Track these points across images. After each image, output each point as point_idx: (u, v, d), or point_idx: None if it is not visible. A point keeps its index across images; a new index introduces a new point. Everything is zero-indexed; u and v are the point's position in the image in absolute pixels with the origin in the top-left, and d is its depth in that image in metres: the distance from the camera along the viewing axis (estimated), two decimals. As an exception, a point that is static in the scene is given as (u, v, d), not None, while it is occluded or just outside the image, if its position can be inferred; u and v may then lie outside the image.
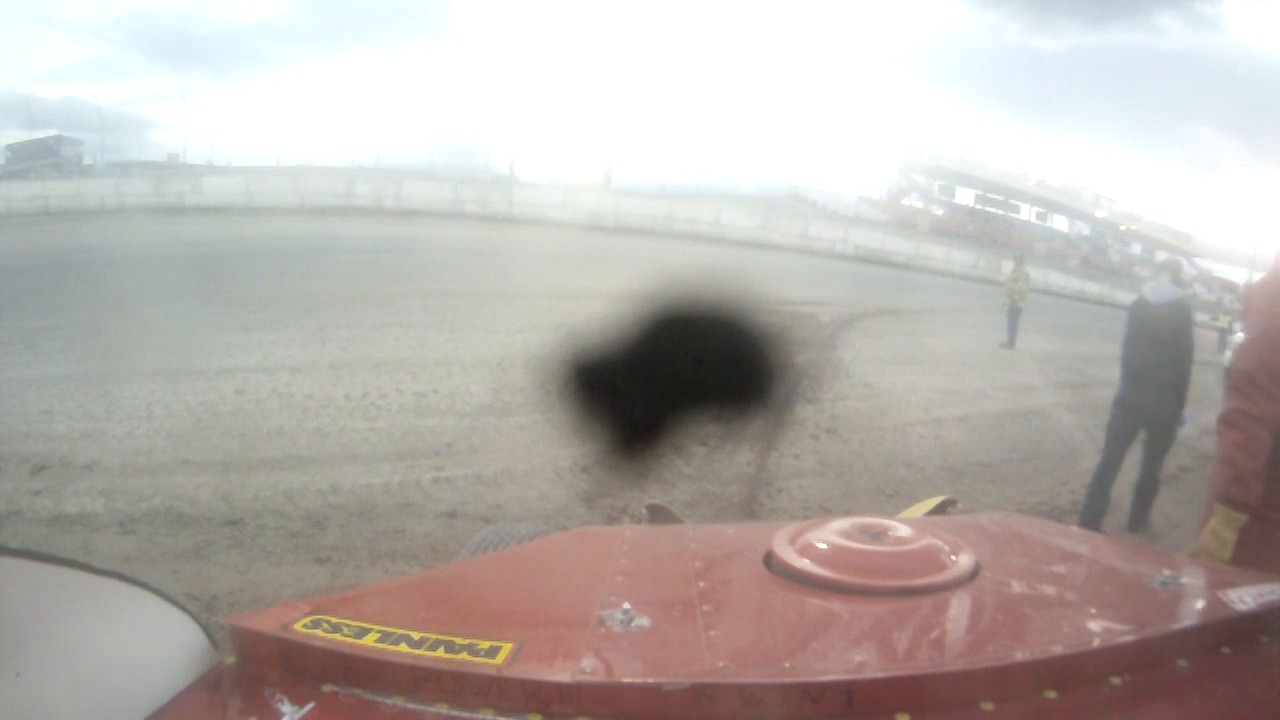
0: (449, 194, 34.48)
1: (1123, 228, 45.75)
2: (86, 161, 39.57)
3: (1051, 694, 1.24)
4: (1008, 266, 32.19)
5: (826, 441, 8.60)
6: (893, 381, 11.91)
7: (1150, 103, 50.33)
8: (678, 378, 2.69)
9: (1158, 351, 6.54)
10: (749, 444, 7.84)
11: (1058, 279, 34.42)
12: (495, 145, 50.58)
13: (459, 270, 17.04)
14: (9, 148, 39.12)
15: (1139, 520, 6.86)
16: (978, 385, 12.59)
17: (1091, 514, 6.64)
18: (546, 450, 6.94)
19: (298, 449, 7.20)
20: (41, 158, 38.19)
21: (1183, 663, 1.35)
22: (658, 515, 2.91)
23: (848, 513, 5.76)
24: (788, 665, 1.30)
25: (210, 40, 57.02)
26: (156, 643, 1.31)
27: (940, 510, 2.89)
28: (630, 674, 1.28)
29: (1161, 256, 44.20)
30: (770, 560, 1.71)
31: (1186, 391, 6.64)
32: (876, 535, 1.74)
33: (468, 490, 6.41)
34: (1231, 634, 1.44)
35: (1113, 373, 14.20)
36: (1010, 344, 16.81)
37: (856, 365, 12.71)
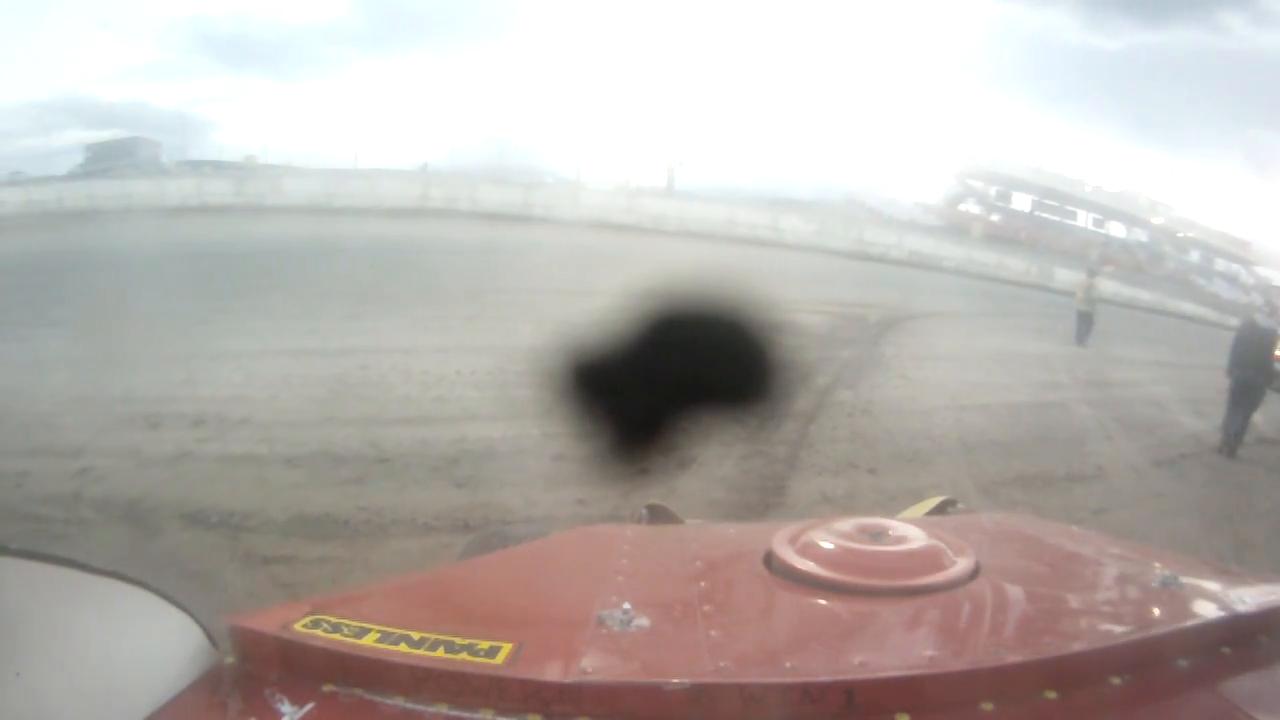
0: (519, 198, 35.20)
1: (1180, 234, 45.05)
2: (164, 161, 41.13)
3: (1051, 694, 1.28)
4: (1061, 274, 33.37)
5: (860, 419, 10.06)
6: (927, 374, 13.21)
7: (1213, 104, 48.49)
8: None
9: (1261, 356, 11.14)
10: (794, 419, 9.34)
11: (1109, 286, 34.53)
12: (560, 149, 51.60)
13: (535, 270, 18.26)
14: (88, 148, 40.67)
15: (1230, 449, 11.00)
16: (1006, 381, 13.78)
17: (1229, 441, 11.07)
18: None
19: (423, 411, 8.75)
20: (120, 158, 39.78)
21: (1183, 663, 1.38)
22: (657, 515, 2.94)
23: (871, 469, 7.36)
24: (788, 665, 1.35)
25: (267, 43, 58.37)
26: (156, 642, 1.36)
27: (940, 510, 2.94)
28: (630, 674, 1.32)
29: (1220, 265, 44.04)
30: (770, 560, 1.74)
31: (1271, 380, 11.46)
32: (876, 535, 1.77)
33: (569, 443, 7.82)
34: (1231, 634, 1.46)
35: (1139, 375, 15.73)
36: (1082, 341, 18.80)
37: (896, 360, 14.08)
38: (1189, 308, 36.07)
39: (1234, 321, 26.86)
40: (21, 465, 7.44)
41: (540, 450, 7.65)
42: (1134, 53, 53.17)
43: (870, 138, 58.16)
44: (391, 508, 6.57)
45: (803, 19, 58.67)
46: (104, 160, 39.59)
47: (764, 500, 7.22)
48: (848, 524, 1.81)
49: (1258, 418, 11.86)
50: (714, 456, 7.52)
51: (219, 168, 40.35)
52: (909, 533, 1.78)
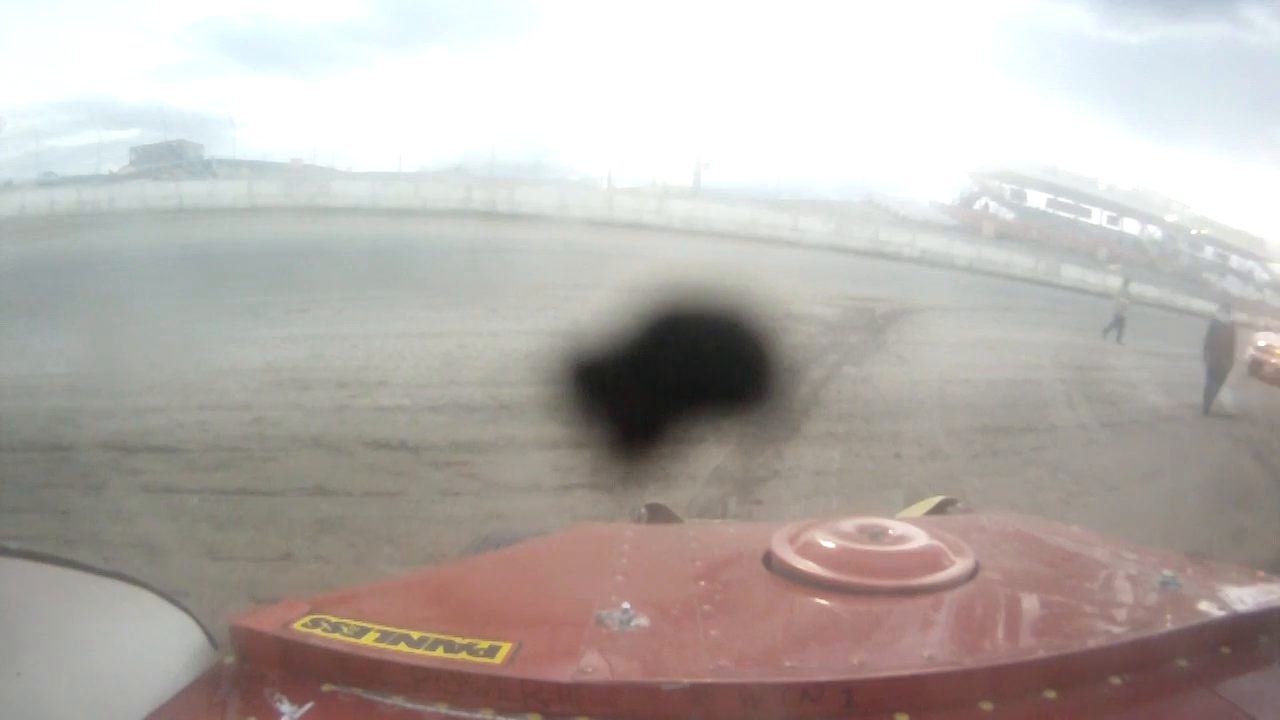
0: (556, 199, 36.90)
1: (1194, 231, 46.10)
2: (207, 158, 43.29)
3: (1051, 694, 1.33)
4: (1069, 271, 35.45)
5: (860, 386, 12.64)
6: (922, 357, 15.63)
7: (1236, 99, 47.72)
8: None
9: (1224, 344, 14.89)
10: (809, 385, 11.91)
11: (1116, 283, 34.57)
12: (586, 150, 52.88)
13: (580, 268, 20.06)
14: (133, 150, 42.75)
15: (1207, 407, 14.55)
16: (992, 362, 16.17)
17: (1209, 391, 14.72)
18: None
19: (523, 376, 10.88)
20: (167, 159, 41.79)
21: (1183, 663, 1.43)
22: (657, 515, 3.03)
23: (865, 419, 10.31)
24: (787, 665, 1.41)
25: (286, 42, 60.30)
26: (156, 642, 1.42)
27: (940, 510, 3.00)
28: (629, 674, 1.38)
29: (1235, 261, 44.47)
30: (770, 560, 1.82)
31: (1233, 360, 15.20)
32: (876, 535, 1.84)
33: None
34: (1231, 634, 1.51)
35: (1123, 361, 18.62)
36: (1118, 339, 21.60)
37: (896, 345, 16.54)
38: (1198, 304, 35.57)
39: (1243, 317, 28.95)
40: (199, 417, 9.28)
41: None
42: (1155, 47, 54.55)
43: (889, 137, 58.78)
44: (523, 436, 8.91)
45: (825, 19, 59.82)
46: (150, 162, 41.67)
47: (783, 434, 9.44)
48: (847, 524, 1.88)
49: (1228, 398, 14.83)
50: (744, 409, 9.60)
51: (257, 169, 42.37)
52: (908, 532, 1.84)
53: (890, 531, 1.86)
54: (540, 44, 68.96)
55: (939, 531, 1.90)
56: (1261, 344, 20.02)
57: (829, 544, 1.79)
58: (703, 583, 1.79)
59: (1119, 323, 21.95)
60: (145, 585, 1.44)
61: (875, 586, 1.63)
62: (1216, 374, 14.92)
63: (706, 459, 8.19)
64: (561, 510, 7.39)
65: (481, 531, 3.74)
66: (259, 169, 42.38)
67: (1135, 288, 24.62)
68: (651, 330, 2.82)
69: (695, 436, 2.90)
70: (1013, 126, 67.72)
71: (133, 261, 18.99)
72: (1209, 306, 36.10)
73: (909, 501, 8.05)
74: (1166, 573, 1.73)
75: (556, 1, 66.20)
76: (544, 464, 8.18)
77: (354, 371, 11.37)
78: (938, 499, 3.20)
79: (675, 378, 2.79)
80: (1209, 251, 46.56)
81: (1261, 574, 1.90)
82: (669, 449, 2.78)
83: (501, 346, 12.77)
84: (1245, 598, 1.65)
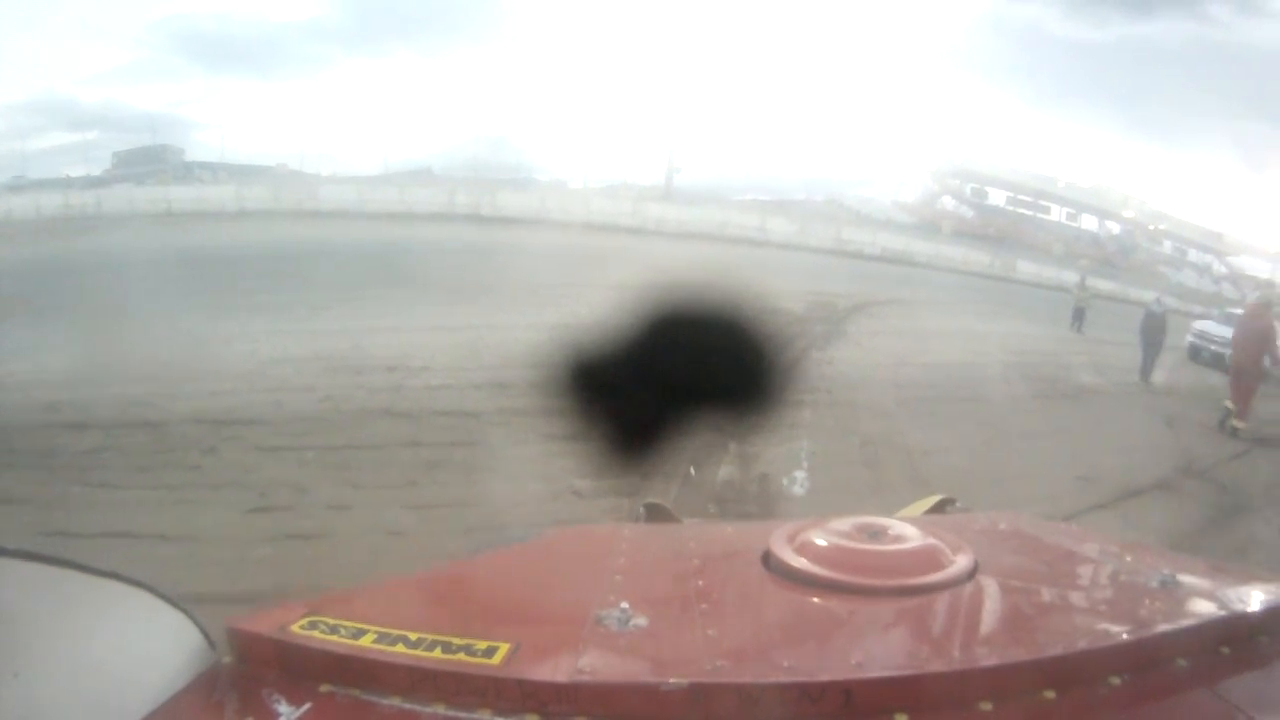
0: (536, 203, 39.03)
1: (1151, 227, 48.10)
2: (188, 161, 44.59)
3: (1050, 694, 1.35)
4: (1024, 266, 37.69)
5: (824, 367, 14.58)
6: (878, 344, 17.54)
7: (1201, 96, 50.70)
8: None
9: (1157, 329, 18.27)
10: (780, 369, 13.91)
11: (1071, 276, 34.78)
12: (556, 152, 53.87)
13: (569, 268, 21.58)
14: (115, 154, 44.15)
15: (1145, 376, 17.73)
16: (942, 348, 17.78)
17: (1144, 371, 17.92)
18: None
19: (543, 361, 12.17)
20: (149, 164, 43.21)
21: (1182, 663, 1.45)
22: (655, 514, 3.15)
23: (828, 391, 12.81)
24: (786, 665, 1.40)
25: (249, 42, 61.52)
26: (154, 643, 1.44)
27: (939, 509, 3.08)
28: (628, 674, 1.39)
29: (1193, 255, 46.87)
30: (768, 559, 1.85)
31: (1163, 344, 18.28)
32: (875, 534, 1.87)
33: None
34: (1231, 634, 1.53)
35: (1064, 348, 21.28)
36: (1079, 329, 24.46)
37: (856, 334, 18.46)
38: (1151, 296, 38.00)
39: (1197, 309, 31.21)
40: (270, 397, 10.30)
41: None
42: (1121, 44, 57.71)
43: (852, 135, 60.23)
44: (558, 405, 10.03)
45: (790, 22, 61.30)
46: (132, 166, 43.12)
47: (767, 399, 11.35)
48: (845, 523, 1.93)
49: (1159, 376, 17.57)
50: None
51: (237, 173, 43.61)
52: (907, 532, 1.90)
53: (889, 531, 1.91)
54: (509, 46, 70.32)
55: (938, 531, 1.97)
56: (1198, 330, 22.29)
57: (828, 543, 1.84)
58: (701, 582, 1.85)
59: (1079, 314, 24.63)
60: (143, 585, 1.46)
61: (874, 586, 1.68)
62: (1150, 354, 18.10)
63: (708, 417, 9.76)
64: (607, 454, 9.24)
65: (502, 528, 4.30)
66: (240, 173, 43.66)
67: (1092, 282, 26.71)
68: (648, 321, 3.01)
69: (698, 403, 3.21)
70: (974, 124, 69.40)
71: (143, 263, 20.15)
72: (1163, 299, 38.45)
73: (863, 445, 10.44)
74: (1166, 572, 1.78)
75: (521, 4, 66.73)
76: (583, 423, 9.92)
77: (396, 359, 12.51)
78: (936, 498, 3.23)
79: (675, 361, 3.02)
80: (1167, 246, 48.69)
81: (1261, 574, 1.96)
82: (679, 412, 3.01)
83: (516, 337, 13.76)
84: (1245, 598, 1.68)
